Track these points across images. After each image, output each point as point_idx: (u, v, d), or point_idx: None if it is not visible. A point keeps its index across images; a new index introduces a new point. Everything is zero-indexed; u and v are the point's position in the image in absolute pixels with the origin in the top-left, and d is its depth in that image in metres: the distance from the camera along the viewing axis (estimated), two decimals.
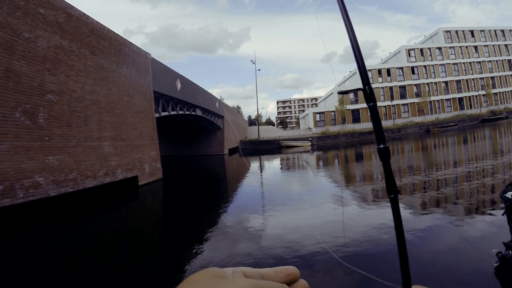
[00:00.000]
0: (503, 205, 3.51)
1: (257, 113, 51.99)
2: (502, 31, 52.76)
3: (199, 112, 23.81)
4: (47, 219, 7.73)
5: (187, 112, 21.10)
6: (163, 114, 17.10)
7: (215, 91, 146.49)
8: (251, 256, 4.36)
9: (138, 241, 5.80)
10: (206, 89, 25.33)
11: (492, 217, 5.10)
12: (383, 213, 5.80)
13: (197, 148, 33.16)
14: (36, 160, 6.89)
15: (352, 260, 3.95)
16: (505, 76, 51.64)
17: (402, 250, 0.31)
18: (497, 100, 50.75)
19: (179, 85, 18.54)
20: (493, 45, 51.52)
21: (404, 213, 5.70)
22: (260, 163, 22.78)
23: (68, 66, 8.20)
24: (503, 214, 3.61)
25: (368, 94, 0.34)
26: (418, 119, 45.65)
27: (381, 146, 0.33)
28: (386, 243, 4.32)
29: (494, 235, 4.27)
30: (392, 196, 0.31)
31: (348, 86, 47.67)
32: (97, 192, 10.05)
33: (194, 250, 4.91)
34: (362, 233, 4.85)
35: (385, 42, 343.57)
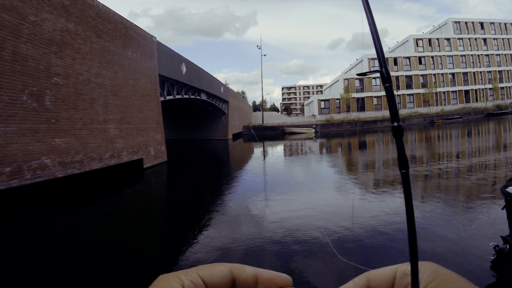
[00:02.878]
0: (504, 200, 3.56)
1: (262, 98, 51.73)
2: None
3: (204, 97, 23.79)
4: (54, 200, 7.95)
5: (192, 96, 21.11)
6: (168, 98, 17.13)
7: (220, 76, 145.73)
8: (252, 241, 4.48)
9: (142, 224, 5.98)
10: (211, 74, 25.21)
11: (489, 210, 5.16)
12: (381, 203, 5.91)
13: (201, 133, 33.30)
14: (43, 142, 7.03)
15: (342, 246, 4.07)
16: None
17: (411, 225, 0.33)
18: (504, 94, 49.77)
19: (184, 69, 18.48)
20: (502, 39, 50.02)
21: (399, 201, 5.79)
22: (263, 148, 22.89)
23: (74, 49, 8.22)
24: (502, 208, 3.65)
25: (385, 76, 0.36)
26: (423, 110, 45.10)
27: (395, 124, 0.35)
28: (383, 233, 4.42)
29: (490, 228, 4.35)
30: (404, 171, 0.33)
31: (354, 74, 47.02)
32: (103, 174, 10.25)
33: (197, 232, 5.07)
34: (361, 223, 4.95)
35: (393, 30, 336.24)
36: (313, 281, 3.35)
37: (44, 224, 5.85)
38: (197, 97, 22.36)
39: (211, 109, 28.41)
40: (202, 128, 32.89)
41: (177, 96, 18.43)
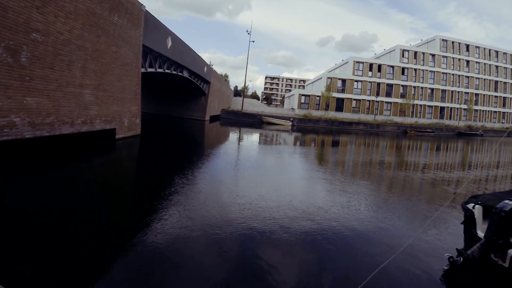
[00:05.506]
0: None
1: (244, 84, 51.41)
2: (496, 52, 54.32)
3: (186, 74, 23.35)
4: (19, 162, 7.70)
5: (174, 72, 20.67)
6: (150, 70, 16.71)
7: (205, 56, 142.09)
8: (212, 214, 4.66)
9: (107, 193, 5.99)
10: (196, 52, 24.70)
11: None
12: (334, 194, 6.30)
13: (178, 110, 32.76)
14: (13, 100, 6.73)
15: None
16: (489, 95, 53.84)
17: None
18: (476, 117, 53.09)
19: (169, 43, 18.01)
20: (484, 63, 53.02)
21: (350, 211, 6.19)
22: (239, 135, 23.04)
23: (58, 6, 7.81)
24: (461, 223, 3.98)
25: None
26: (398, 119, 47.02)
27: None
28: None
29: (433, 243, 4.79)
30: None
31: (338, 74, 47.82)
32: (73, 140, 9.98)
33: (158, 205, 5.18)
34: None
35: (383, 37, 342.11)
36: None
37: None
38: (179, 73, 21.90)
39: (191, 88, 27.94)
40: (180, 106, 32.32)
41: (159, 70, 18.00)
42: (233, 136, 22.18)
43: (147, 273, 3.19)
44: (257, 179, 8.31)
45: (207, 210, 5.24)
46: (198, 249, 3.85)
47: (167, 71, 19.32)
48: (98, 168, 8.65)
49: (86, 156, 9.69)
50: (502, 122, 55.48)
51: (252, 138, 22.31)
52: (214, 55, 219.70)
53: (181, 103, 32.16)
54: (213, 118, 35.38)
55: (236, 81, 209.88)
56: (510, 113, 56.03)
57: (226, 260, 3.64)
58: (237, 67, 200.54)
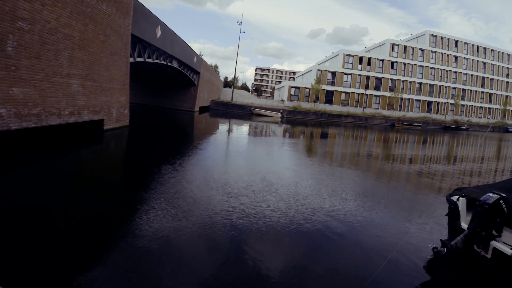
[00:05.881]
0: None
1: (234, 75, 51.08)
2: (484, 48, 55.53)
3: (175, 64, 23.07)
4: (5, 153, 7.56)
5: (163, 62, 20.40)
6: (138, 60, 16.46)
7: (195, 46, 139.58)
8: (197, 210, 4.74)
9: (95, 185, 5.97)
10: (186, 42, 24.38)
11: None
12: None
13: (167, 101, 32.42)
14: None
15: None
16: (475, 91, 55.16)
17: None
18: (463, 112, 54.42)
19: (159, 33, 17.73)
20: (472, 60, 54.14)
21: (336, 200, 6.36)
22: (229, 126, 23.04)
23: None
24: (446, 215, 4.09)
25: None
26: (386, 112, 47.69)
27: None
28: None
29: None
30: None
31: (328, 67, 47.97)
32: (60, 131, 9.84)
33: (146, 197, 5.22)
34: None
35: (374, 31, 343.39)
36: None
37: None
38: (168, 64, 21.63)
39: (181, 78, 27.64)
40: (169, 97, 31.98)
41: (148, 60, 17.74)
42: (222, 127, 22.15)
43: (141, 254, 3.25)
44: (244, 171, 8.37)
45: (194, 198, 5.31)
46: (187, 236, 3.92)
47: (156, 61, 19.06)
48: (86, 160, 8.55)
49: (73, 147, 9.56)
50: (488, 118, 57.03)
51: (242, 129, 22.33)
52: (204, 46, 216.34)
53: (170, 94, 31.83)
54: (203, 109, 35.17)
55: (226, 72, 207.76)
56: (495, 108, 57.65)
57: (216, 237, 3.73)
58: (227, 58, 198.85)
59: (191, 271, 3.27)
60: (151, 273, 3.13)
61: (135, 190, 5.86)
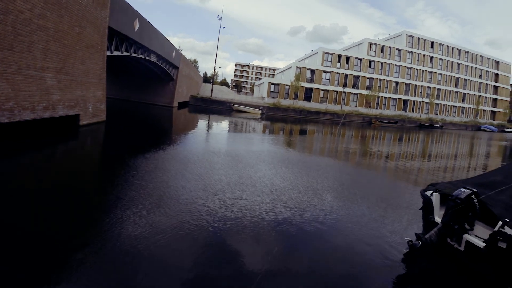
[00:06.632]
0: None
1: (214, 71, 50.68)
2: (459, 50, 58.44)
3: (153, 58, 22.62)
4: None
5: (141, 56, 19.96)
6: (116, 53, 16.03)
7: (174, 40, 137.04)
8: (169, 206, 4.79)
9: (69, 183, 5.84)
10: (165, 36, 23.95)
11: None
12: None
13: (146, 96, 31.73)
14: None
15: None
16: (449, 91, 57.95)
17: None
18: (437, 110, 56.99)
19: (137, 26, 17.33)
20: (447, 60, 56.79)
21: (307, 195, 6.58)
22: (208, 122, 22.92)
23: None
24: (420, 209, 4.27)
25: None
26: (363, 110, 49.00)
27: None
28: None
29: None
30: None
31: (307, 64, 48.55)
32: (35, 126, 9.46)
33: (122, 194, 5.18)
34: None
35: (353, 30, 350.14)
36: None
37: None
38: (146, 58, 21.18)
39: (159, 73, 27.12)
40: (147, 92, 31.29)
41: (125, 53, 17.31)
42: (202, 123, 22.04)
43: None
44: (223, 169, 8.41)
45: (169, 192, 5.34)
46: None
47: (134, 54, 18.63)
48: (60, 157, 8.30)
49: (48, 143, 9.23)
50: (461, 116, 60.06)
51: (222, 125, 22.30)
52: (184, 40, 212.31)
53: (148, 89, 31.15)
54: (182, 105, 34.72)
55: (205, 67, 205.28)
56: (468, 108, 60.83)
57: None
58: (207, 53, 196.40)
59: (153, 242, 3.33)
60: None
61: (109, 189, 5.72)
